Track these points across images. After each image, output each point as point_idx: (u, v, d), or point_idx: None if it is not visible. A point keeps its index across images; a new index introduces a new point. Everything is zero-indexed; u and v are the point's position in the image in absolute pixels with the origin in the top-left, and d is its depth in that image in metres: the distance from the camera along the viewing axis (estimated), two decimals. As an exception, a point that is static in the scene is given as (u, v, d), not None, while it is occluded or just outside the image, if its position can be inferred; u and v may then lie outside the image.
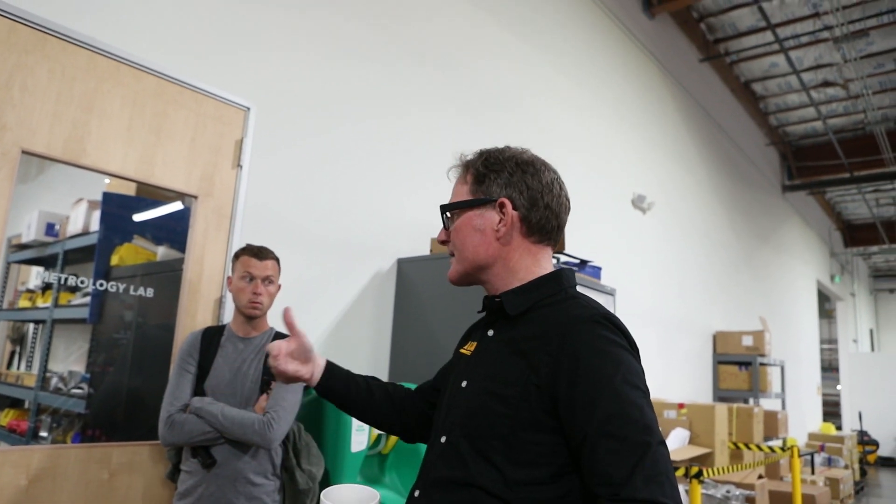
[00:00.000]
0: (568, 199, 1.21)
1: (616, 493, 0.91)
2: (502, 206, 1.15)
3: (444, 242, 1.22)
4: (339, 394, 1.28)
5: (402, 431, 1.35)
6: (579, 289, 1.17)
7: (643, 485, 0.90)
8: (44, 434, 2.07)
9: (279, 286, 2.20)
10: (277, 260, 2.19)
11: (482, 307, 1.23)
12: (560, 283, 1.15)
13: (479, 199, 1.17)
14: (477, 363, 1.15)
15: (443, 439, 1.11)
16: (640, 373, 1.02)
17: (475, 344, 1.20)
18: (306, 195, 2.77)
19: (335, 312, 2.86)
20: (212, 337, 2.15)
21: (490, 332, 1.17)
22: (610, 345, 1.01)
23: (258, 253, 2.14)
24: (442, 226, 1.23)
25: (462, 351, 1.24)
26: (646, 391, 1.00)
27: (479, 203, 1.17)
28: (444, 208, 1.21)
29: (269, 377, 2.05)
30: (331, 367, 1.29)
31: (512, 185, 1.16)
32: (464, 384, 1.14)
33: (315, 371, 1.25)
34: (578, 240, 4.31)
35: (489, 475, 1.01)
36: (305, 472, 2.13)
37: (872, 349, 16.64)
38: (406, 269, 3.10)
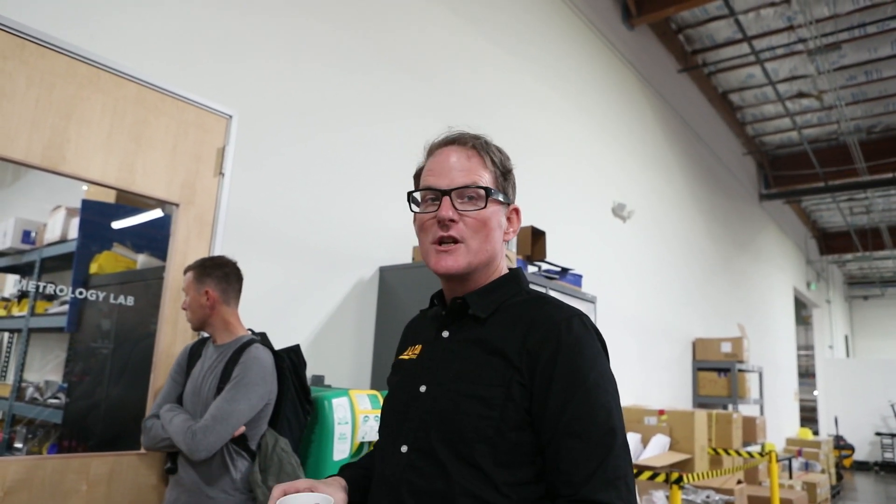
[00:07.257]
0: None
1: (575, 493, 0.93)
2: (517, 212, 1.17)
3: (450, 221, 1.07)
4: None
5: None
6: (561, 297, 1.17)
7: (602, 487, 0.93)
8: (19, 445, 2.03)
9: (204, 293, 2.09)
10: (197, 270, 2.12)
11: (430, 305, 1.21)
12: (519, 283, 1.16)
13: (508, 198, 1.15)
14: (435, 366, 1.08)
15: (404, 449, 1.04)
16: (611, 374, 1.04)
17: (420, 347, 1.15)
18: (288, 203, 2.77)
19: (317, 321, 2.85)
20: (199, 346, 2.19)
21: (445, 334, 1.12)
22: (587, 347, 1.02)
23: (185, 269, 2.17)
24: (450, 201, 1.07)
25: (403, 357, 1.18)
26: (614, 392, 1.02)
27: (506, 202, 1.15)
28: (485, 190, 1.08)
29: (223, 384, 1.98)
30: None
31: (515, 192, 1.18)
32: (423, 389, 1.07)
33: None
34: (559, 248, 4.34)
35: (477, 481, 0.97)
36: (269, 489, 2.00)
37: (847, 355, 16.91)
38: (388, 277, 3.10)
